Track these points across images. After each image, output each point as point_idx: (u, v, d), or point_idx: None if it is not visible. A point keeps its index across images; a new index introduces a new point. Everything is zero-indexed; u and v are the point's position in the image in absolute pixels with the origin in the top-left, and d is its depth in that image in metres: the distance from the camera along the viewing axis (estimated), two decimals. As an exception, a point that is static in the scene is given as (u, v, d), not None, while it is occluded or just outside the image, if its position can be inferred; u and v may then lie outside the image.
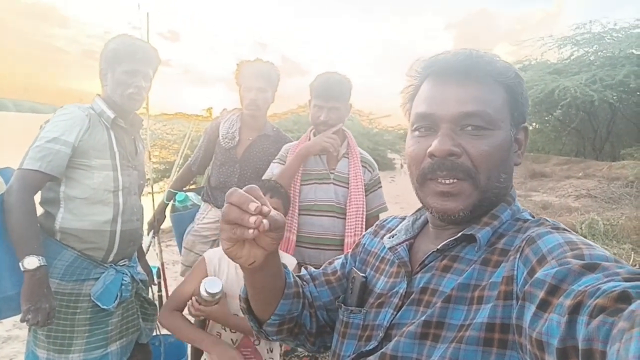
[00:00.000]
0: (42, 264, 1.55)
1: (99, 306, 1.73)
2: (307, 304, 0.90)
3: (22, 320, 1.53)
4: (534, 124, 15.23)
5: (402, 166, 14.40)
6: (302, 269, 1.00)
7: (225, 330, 1.63)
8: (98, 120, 1.76)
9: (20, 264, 1.52)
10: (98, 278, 1.75)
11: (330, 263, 0.99)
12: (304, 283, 0.94)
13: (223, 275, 1.64)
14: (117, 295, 1.77)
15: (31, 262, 1.52)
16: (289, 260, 1.77)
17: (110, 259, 1.80)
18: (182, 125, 11.02)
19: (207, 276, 1.61)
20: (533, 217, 0.76)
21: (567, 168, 10.83)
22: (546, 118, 14.99)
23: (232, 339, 1.62)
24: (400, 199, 8.29)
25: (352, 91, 2.03)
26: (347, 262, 0.96)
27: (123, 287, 1.80)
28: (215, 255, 1.70)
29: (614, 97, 10.61)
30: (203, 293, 1.49)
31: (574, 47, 13.02)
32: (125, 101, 1.79)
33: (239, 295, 0.88)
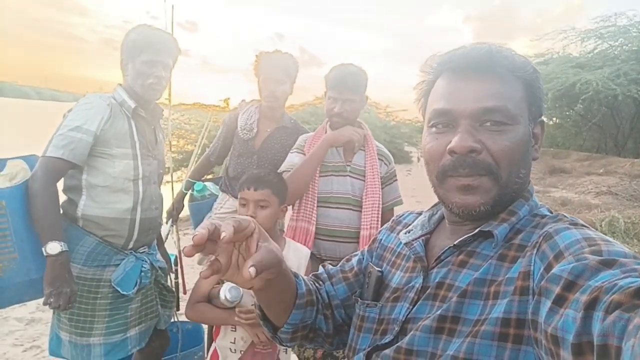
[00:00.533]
0: (64, 249, 1.60)
1: (119, 292, 1.77)
2: (323, 307, 0.91)
3: (44, 304, 1.58)
4: (554, 118, 14.92)
5: (418, 159, 14.31)
6: (320, 267, 1.01)
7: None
8: (119, 110, 1.79)
9: (43, 249, 1.58)
10: (118, 264, 1.80)
11: (347, 260, 1.00)
12: (321, 282, 0.95)
13: None
14: (136, 282, 1.82)
15: (53, 248, 1.58)
16: (302, 252, 1.77)
17: (130, 246, 1.85)
18: (200, 115, 11.10)
19: None
20: (551, 212, 0.75)
21: (588, 164, 10.62)
22: (567, 113, 14.68)
23: None
24: (417, 192, 8.25)
25: (368, 83, 2.02)
26: (363, 258, 0.97)
27: (142, 273, 1.85)
28: None
29: (639, 92, 10.34)
30: (223, 299, 1.52)
31: (597, 40, 12.69)
32: (145, 91, 1.82)
33: (254, 304, 0.89)
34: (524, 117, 0.73)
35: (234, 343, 1.64)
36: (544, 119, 0.79)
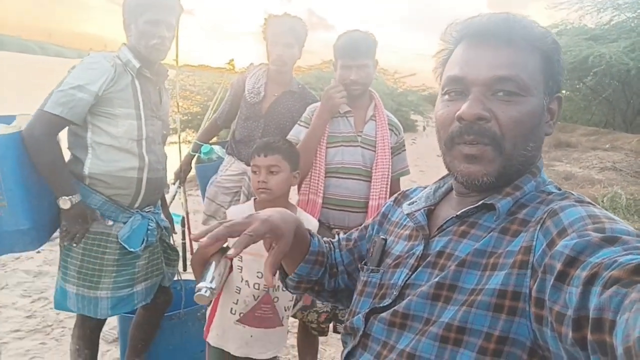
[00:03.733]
0: (75, 202, 1.68)
1: (126, 249, 1.82)
2: (329, 268, 0.98)
3: (60, 238, 1.73)
4: (563, 91, 14.69)
5: (424, 128, 14.22)
6: (336, 235, 1.08)
7: (247, 285, 1.66)
8: (124, 70, 1.79)
9: (57, 201, 1.67)
10: (125, 222, 1.84)
11: (356, 230, 1.04)
12: (333, 248, 1.01)
13: None
14: (143, 240, 1.86)
15: (64, 203, 1.66)
16: (312, 223, 1.78)
17: (137, 204, 1.88)
18: (206, 77, 10.98)
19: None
20: (559, 189, 0.75)
21: (594, 139, 10.54)
22: (577, 86, 14.42)
23: (253, 295, 1.66)
24: (421, 161, 8.25)
25: (377, 44, 1.98)
26: (372, 230, 0.99)
27: (149, 232, 1.89)
28: (235, 214, 1.70)
29: (653, 67, 10.11)
30: (197, 293, 1.49)
31: (614, 11, 12.32)
32: (149, 52, 1.81)
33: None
34: (539, 90, 0.72)
35: (236, 304, 1.67)
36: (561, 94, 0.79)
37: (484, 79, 0.71)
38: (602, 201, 5.11)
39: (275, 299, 1.68)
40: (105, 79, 1.71)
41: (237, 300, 1.67)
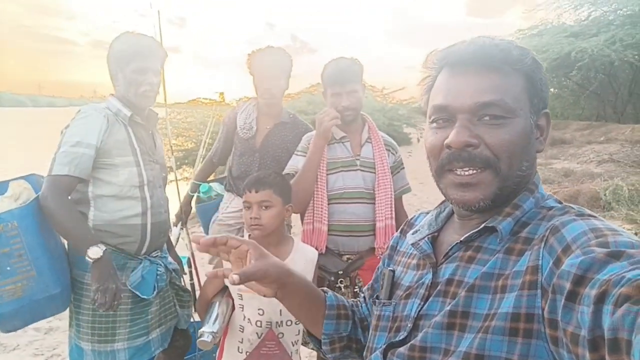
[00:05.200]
0: (104, 249, 1.65)
1: (138, 296, 1.81)
2: (359, 321, 0.98)
3: (92, 301, 1.64)
4: (551, 89, 14.86)
5: (418, 140, 14.28)
6: (360, 294, 1.07)
7: (250, 323, 1.64)
8: (115, 119, 1.81)
9: (85, 257, 1.62)
10: (134, 270, 1.83)
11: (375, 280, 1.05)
12: (360, 304, 1.02)
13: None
14: (154, 286, 1.86)
15: (95, 252, 1.63)
16: (310, 255, 1.76)
17: (143, 251, 1.88)
18: (197, 112, 11.07)
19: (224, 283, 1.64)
20: (560, 203, 0.75)
21: (588, 133, 10.61)
22: (564, 82, 14.59)
23: (256, 333, 1.64)
24: (418, 173, 8.21)
25: (364, 67, 2.01)
26: (383, 265, 0.99)
27: (158, 276, 1.89)
28: None
29: (635, 57, 10.26)
30: (199, 338, 1.52)
31: (591, 7, 12.59)
32: (139, 99, 1.84)
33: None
34: (525, 110, 0.73)
35: (242, 343, 1.65)
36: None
37: (469, 106, 0.72)
38: (605, 195, 5.11)
39: (280, 335, 1.65)
40: (100, 130, 1.73)
41: (242, 339, 1.65)
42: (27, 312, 1.66)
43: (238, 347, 1.66)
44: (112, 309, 1.66)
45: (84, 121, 1.75)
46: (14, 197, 1.69)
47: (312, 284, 0.93)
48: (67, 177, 1.67)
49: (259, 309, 1.63)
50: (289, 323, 1.66)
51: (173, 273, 2.03)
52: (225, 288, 1.67)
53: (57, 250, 1.70)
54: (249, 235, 1.72)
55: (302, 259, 1.70)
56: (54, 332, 3.32)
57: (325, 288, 0.99)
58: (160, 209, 1.94)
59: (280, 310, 1.63)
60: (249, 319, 1.64)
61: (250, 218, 1.63)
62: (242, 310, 1.65)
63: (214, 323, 1.55)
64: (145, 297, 1.82)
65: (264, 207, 1.63)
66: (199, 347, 1.52)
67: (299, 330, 1.72)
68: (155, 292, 1.85)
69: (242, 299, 1.64)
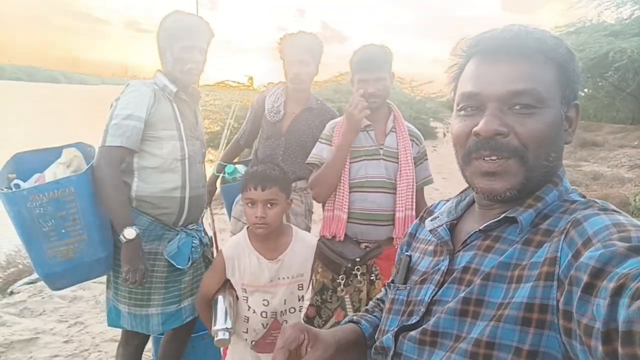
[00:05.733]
0: (138, 231, 1.74)
1: (173, 266, 1.89)
2: None
3: (123, 280, 1.74)
4: (585, 89, 14.41)
5: (444, 135, 14.10)
6: (383, 289, 1.06)
7: (255, 313, 1.65)
8: (162, 94, 1.88)
9: (121, 235, 1.71)
10: (171, 240, 1.91)
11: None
12: (382, 304, 1.02)
13: (242, 268, 1.64)
14: (189, 257, 1.93)
15: (130, 233, 1.72)
16: (309, 243, 1.73)
17: (181, 223, 1.95)
18: (224, 95, 11.16)
19: (225, 271, 1.64)
20: (584, 197, 0.74)
21: (621, 137, 10.29)
22: (599, 83, 14.14)
23: (262, 323, 1.65)
24: (443, 168, 8.17)
25: (393, 57, 1.99)
26: (402, 251, 0.99)
27: (193, 248, 1.96)
28: (232, 249, 1.67)
29: (677, 60, 9.88)
30: (214, 336, 1.53)
31: (634, 5, 12.12)
32: (185, 76, 1.90)
33: None
34: (556, 100, 0.72)
35: (247, 333, 1.68)
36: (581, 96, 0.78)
37: (500, 94, 0.71)
38: (635, 200, 4.97)
39: (285, 323, 1.66)
40: (148, 104, 1.81)
41: (247, 329, 1.67)
42: (75, 273, 1.78)
43: (244, 337, 1.69)
44: (141, 286, 1.76)
45: (134, 95, 1.82)
46: (67, 163, 1.80)
47: (347, 329, 0.93)
48: (120, 148, 1.75)
49: (263, 300, 1.63)
50: (292, 310, 1.68)
51: (206, 246, 2.10)
52: (226, 281, 1.67)
53: (105, 218, 1.78)
54: (247, 227, 1.70)
55: (302, 247, 1.69)
56: (79, 300, 3.45)
57: (354, 318, 0.98)
58: (199, 183, 2.01)
59: (285, 300, 1.65)
60: (253, 310, 1.65)
61: (256, 217, 1.56)
62: (247, 302, 1.65)
63: (225, 320, 1.55)
64: (180, 267, 1.89)
65: (269, 205, 1.57)
66: (217, 346, 1.54)
67: (300, 316, 1.75)
68: (189, 263, 1.92)
69: (245, 292, 1.64)
